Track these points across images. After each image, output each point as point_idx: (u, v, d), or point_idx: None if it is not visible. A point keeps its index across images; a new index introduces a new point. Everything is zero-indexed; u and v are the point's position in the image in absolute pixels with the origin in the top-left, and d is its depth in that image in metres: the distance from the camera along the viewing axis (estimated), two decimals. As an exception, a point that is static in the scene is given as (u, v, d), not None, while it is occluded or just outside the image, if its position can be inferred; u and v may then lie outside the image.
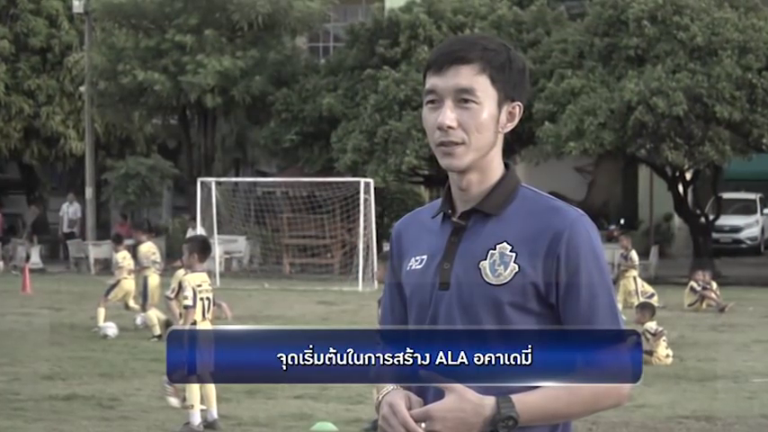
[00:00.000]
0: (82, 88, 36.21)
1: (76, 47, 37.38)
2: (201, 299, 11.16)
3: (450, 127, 3.04)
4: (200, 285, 11.18)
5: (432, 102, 3.09)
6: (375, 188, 29.70)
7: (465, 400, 2.91)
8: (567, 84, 29.10)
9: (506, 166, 3.17)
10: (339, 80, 32.58)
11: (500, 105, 3.09)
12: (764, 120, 28.06)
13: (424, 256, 3.16)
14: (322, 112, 31.74)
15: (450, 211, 3.16)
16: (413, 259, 3.19)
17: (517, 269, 3.02)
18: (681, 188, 32.20)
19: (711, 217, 32.94)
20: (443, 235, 3.15)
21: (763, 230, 40.56)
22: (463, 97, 3.05)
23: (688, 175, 32.32)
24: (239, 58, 32.57)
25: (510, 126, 3.13)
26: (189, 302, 11.09)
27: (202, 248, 11.52)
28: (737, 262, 35.35)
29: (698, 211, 32.94)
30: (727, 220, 36.97)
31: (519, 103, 3.13)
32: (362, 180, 29.44)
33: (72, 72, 37.25)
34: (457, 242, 3.11)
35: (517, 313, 3.02)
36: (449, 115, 3.04)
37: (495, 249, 3.05)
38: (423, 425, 2.91)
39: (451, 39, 3.20)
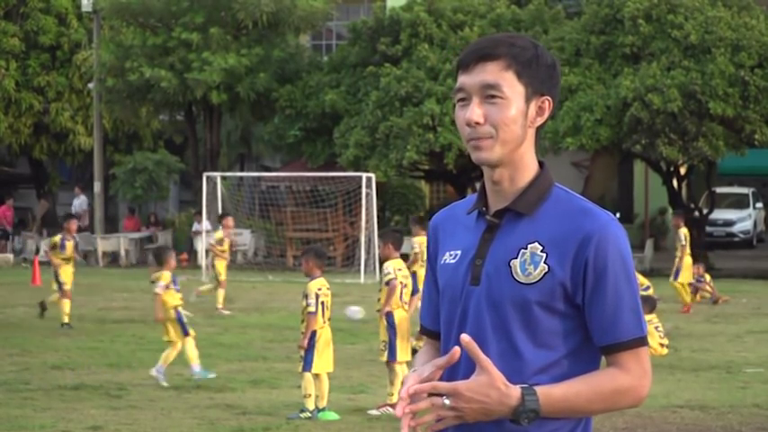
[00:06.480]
0: (90, 85, 36.50)
1: (85, 44, 37.67)
2: (323, 302, 11.55)
3: (477, 123, 3.07)
4: (320, 289, 11.57)
5: (462, 100, 3.11)
6: (376, 182, 29.99)
7: (493, 387, 2.93)
8: (564, 81, 29.14)
9: (541, 165, 3.17)
10: (341, 77, 32.81)
11: (528, 100, 3.09)
12: (757, 116, 28.27)
13: (458, 252, 3.18)
14: (325, 109, 31.94)
15: (484, 209, 3.18)
16: (447, 253, 3.22)
17: (547, 269, 3.03)
18: (675, 183, 32.23)
19: (705, 211, 33.01)
20: (477, 231, 3.16)
21: (755, 224, 40.71)
22: (490, 93, 3.07)
23: (682, 170, 32.27)
24: (244, 56, 32.75)
25: (540, 120, 3.13)
26: (312, 309, 11.44)
27: (318, 256, 11.93)
28: (730, 255, 35.53)
29: (692, 205, 32.87)
30: (720, 214, 37.22)
31: (549, 98, 3.13)
32: (364, 175, 29.73)
33: (81, 69, 37.56)
34: (490, 239, 3.12)
35: (544, 312, 3.04)
36: (476, 111, 3.07)
37: (526, 249, 3.07)
38: (446, 400, 2.93)
39: (480, 38, 3.23)
